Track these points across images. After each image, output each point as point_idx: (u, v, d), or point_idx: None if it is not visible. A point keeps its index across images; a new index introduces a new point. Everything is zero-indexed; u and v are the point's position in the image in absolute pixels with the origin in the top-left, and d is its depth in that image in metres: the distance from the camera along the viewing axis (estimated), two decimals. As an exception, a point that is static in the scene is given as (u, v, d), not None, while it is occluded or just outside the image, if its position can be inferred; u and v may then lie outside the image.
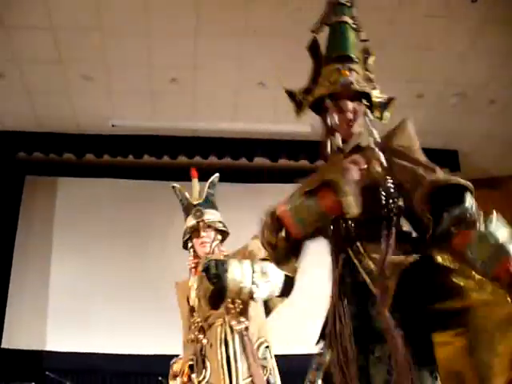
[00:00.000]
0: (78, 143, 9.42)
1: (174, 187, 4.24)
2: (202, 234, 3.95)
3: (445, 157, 9.70)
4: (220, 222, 4.23)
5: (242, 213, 10.04)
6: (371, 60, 2.62)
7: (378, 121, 2.54)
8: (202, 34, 7.45)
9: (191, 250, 4.04)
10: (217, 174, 4.37)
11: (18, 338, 9.21)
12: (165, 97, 8.66)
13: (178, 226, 10.02)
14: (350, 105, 2.50)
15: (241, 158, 9.71)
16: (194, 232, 3.97)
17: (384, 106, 2.53)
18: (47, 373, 8.15)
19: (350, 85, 2.48)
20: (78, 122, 9.16)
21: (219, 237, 4.06)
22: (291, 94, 2.69)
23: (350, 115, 2.49)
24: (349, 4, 2.70)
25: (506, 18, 7.00)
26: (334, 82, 2.52)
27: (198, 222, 4.00)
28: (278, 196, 2.50)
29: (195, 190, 4.17)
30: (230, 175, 10.15)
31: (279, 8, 7.00)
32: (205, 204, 4.12)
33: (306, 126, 9.13)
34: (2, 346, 9.19)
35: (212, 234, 3.98)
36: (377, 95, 2.54)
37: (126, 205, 9.75)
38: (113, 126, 9.13)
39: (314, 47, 2.68)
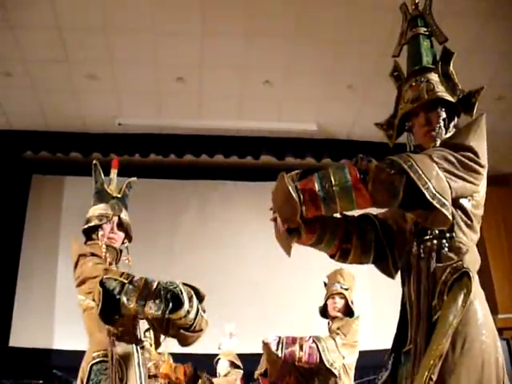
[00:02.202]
0: (84, 142, 9.45)
1: (95, 165, 3.97)
2: (115, 230, 3.72)
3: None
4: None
5: (247, 211, 10.09)
6: (452, 59, 2.62)
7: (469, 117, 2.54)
8: (208, 34, 7.47)
9: (98, 239, 3.71)
10: (135, 178, 4.12)
11: (26, 337, 9.25)
12: (171, 96, 8.68)
13: (184, 225, 10.10)
14: (423, 119, 2.54)
15: (247, 157, 9.72)
16: (106, 224, 3.71)
17: (468, 100, 2.54)
18: (54, 371, 8.20)
19: (418, 99, 2.53)
20: (84, 121, 9.19)
21: (127, 242, 3.83)
22: (381, 126, 2.74)
23: (425, 128, 2.52)
24: (420, 13, 2.74)
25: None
26: (407, 100, 2.59)
27: (114, 215, 3.74)
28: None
29: (114, 182, 3.92)
30: (236, 173, 10.19)
31: (285, 8, 7.00)
32: (122, 201, 3.87)
33: (312, 124, 9.15)
34: (9, 345, 9.23)
35: (122, 235, 3.77)
36: (454, 94, 2.55)
37: (132, 203, 9.73)
38: (119, 124, 9.15)
39: (395, 72, 2.74)
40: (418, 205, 2.18)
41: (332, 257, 2.65)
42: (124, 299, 3.16)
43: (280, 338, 4.65)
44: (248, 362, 6.33)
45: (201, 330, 3.40)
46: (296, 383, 4.93)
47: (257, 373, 4.92)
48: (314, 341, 4.61)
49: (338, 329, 4.77)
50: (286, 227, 2.37)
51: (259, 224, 10.18)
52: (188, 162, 9.90)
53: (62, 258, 9.69)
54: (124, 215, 3.81)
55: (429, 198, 2.11)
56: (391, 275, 2.67)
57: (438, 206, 2.12)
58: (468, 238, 2.38)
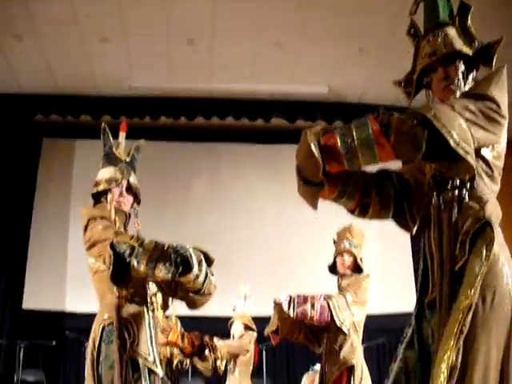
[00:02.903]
0: (95, 105, 9.44)
1: (104, 128, 3.94)
2: (124, 193, 3.72)
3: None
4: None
5: (259, 173, 10.10)
6: (469, 13, 2.59)
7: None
8: (219, -5, 7.42)
9: (107, 202, 3.71)
10: (143, 140, 4.08)
11: (39, 300, 9.35)
12: (182, 58, 8.63)
13: (195, 187, 10.12)
14: (441, 73, 2.51)
15: (258, 119, 9.69)
16: (115, 188, 3.75)
17: (487, 52, 2.51)
18: (67, 332, 8.29)
19: (436, 53, 2.51)
20: (95, 84, 9.17)
21: (137, 206, 3.82)
22: (399, 84, 2.71)
23: (444, 82, 2.50)
24: None
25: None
26: (425, 55, 2.56)
27: (123, 179, 3.74)
28: (294, 157, 2.49)
29: (122, 145, 3.89)
30: (247, 136, 10.18)
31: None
32: (131, 165, 3.86)
33: (323, 87, 9.11)
34: (23, 308, 9.33)
35: (131, 198, 3.77)
36: (472, 47, 2.52)
37: (143, 166, 9.73)
38: (130, 87, 9.12)
39: (411, 29, 2.69)
40: (441, 155, 2.18)
41: (352, 212, 2.64)
42: (134, 262, 3.17)
43: (291, 297, 4.68)
44: (259, 324, 6.38)
45: (209, 294, 3.43)
46: (305, 340, 5.00)
47: (267, 330, 4.98)
48: (325, 299, 4.65)
49: (348, 286, 4.81)
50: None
51: (270, 186, 10.27)
52: (199, 125, 9.89)
53: (73, 220, 9.74)
54: (133, 179, 3.80)
55: (453, 145, 2.10)
56: (410, 230, 2.67)
57: (462, 153, 2.12)
58: (489, 189, 2.38)
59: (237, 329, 6.63)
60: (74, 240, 9.57)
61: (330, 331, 4.76)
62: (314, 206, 2.46)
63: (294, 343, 9.48)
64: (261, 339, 7.37)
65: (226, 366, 6.42)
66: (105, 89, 9.27)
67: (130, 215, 3.80)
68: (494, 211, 2.33)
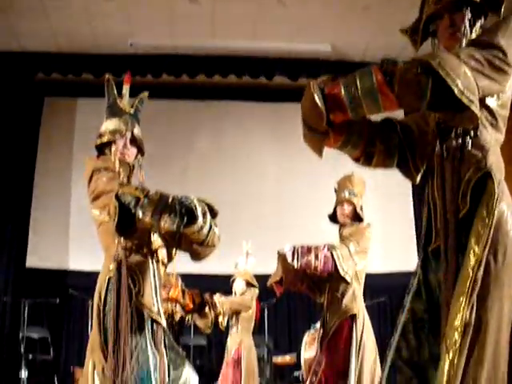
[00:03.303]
0: (96, 63, 9.37)
1: (108, 80, 3.92)
2: (128, 145, 3.72)
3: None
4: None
5: (261, 131, 10.08)
6: None
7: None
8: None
9: (111, 154, 3.69)
10: (146, 93, 4.07)
11: (42, 258, 9.42)
12: (184, 15, 8.54)
13: (198, 145, 10.11)
14: (447, 20, 2.47)
15: (260, 77, 9.64)
16: (119, 139, 3.68)
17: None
18: (70, 291, 8.36)
19: (442, 0, 2.46)
20: (96, 42, 9.10)
21: (140, 158, 3.83)
22: (405, 32, 2.68)
23: (450, 30, 2.46)
24: None
25: None
26: (431, 2, 2.52)
27: (126, 131, 3.71)
28: (297, 115, 2.48)
29: (126, 97, 3.88)
30: (249, 94, 10.13)
31: None
32: (135, 117, 3.85)
33: (326, 45, 9.03)
34: (26, 266, 9.39)
35: (135, 150, 3.77)
36: None
37: (144, 124, 9.71)
38: (131, 45, 9.06)
39: None
40: (445, 104, 2.17)
41: (357, 160, 2.64)
42: (139, 213, 3.19)
43: (295, 248, 4.72)
44: (261, 282, 6.43)
45: (213, 246, 3.45)
46: (307, 290, 5.04)
47: (271, 281, 5.00)
48: (328, 249, 4.68)
49: (350, 235, 4.84)
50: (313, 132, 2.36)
51: (272, 143, 10.26)
52: (201, 83, 9.83)
53: (75, 178, 9.76)
54: (137, 130, 3.79)
55: (458, 94, 2.08)
56: (413, 179, 2.67)
57: (466, 102, 2.10)
58: (493, 139, 2.36)
59: (238, 286, 6.68)
60: (76, 198, 9.61)
61: (332, 280, 4.80)
62: (320, 153, 2.45)
63: (295, 301, 9.62)
64: (263, 297, 7.44)
65: (227, 322, 6.48)
66: (106, 47, 9.20)
67: (133, 167, 3.79)
68: (496, 163, 2.32)
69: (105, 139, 3.75)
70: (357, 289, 4.82)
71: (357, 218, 4.99)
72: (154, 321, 3.43)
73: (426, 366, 2.33)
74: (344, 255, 4.71)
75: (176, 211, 3.18)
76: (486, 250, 2.17)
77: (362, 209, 5.00)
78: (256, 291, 6.67)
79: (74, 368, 8.26)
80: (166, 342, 3.46)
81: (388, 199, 9.12)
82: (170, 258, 3.69)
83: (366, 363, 4.64)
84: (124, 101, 3.88)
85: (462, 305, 2.12)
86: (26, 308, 8.08)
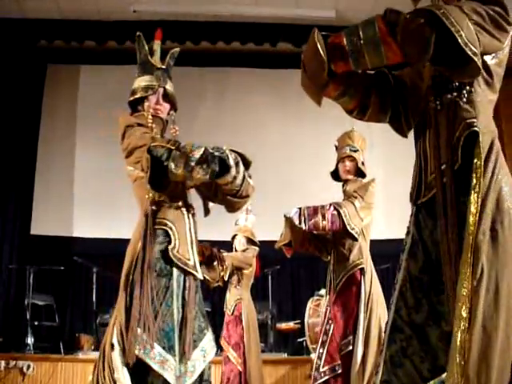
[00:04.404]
0: (99, 30, 9.33)
1: (139, 36, 3.93)
2: (161, 101, 3.73)
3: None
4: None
5: (265, 97, 10.04)
6: None
7: None
8: None
9: (144, 110, 3.72)
10: (177, 48, 4.07)
11: (46, 225, 9.44)
12: (186, -19, 8.49)
13: (202, 112, 10.08)
14: None
15: (264, 44, 9.58)
16: (151, 95, 3.76)
17: None
18: (75, 258, 8.41)
19: None
20: (98, 9, 9.04)
21: (173, 113, 3.86)
22: None
23: None
24: None
25: None
26: None
27: (159, 86, 3.72)
28: (300, 81, 2.46)
29: (158, 52, 3.89)
30: (253, 60, 10.08)
31: None
32: (167, 72, 3.86)
33: (330, 11, 8.96)
34: (31, 233, 9.43)
35: (167, 105, 3.79)
36: None
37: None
38: (134, 11, 8.99)
39: None
40: (448, 56, 2.12)
41: (350, 112, 2.59)
42: (172, 165, 3.20)
43: (301, 210, 4.74)
44: (266, 247, 6.44)
45: (247, 196, 3.48)
46: (315, 250, 5.07)
47: (279, 243, 5.02)
48: (335, 208, 4.70)
49: (355, 192, 4.84)
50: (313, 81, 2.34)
51: (276, 110, 10.23)
52: (205, 49, 9.78)
53: (79, 145, 9.78)
54: (169, 86, 3.80)
55: (462, 44, 2.04)
56: (404, 134, 2.64)
57: (470, 54, 2.05)
58: (486, 97, 2.34)
59: (239, 242, 6.67)
60: (80, 165, 9.62)
61: (339, 238, 4.84)
62: (318, 101, 2.41)
63: (299, 268, 9.66)
64: (267, 263, 7.46)
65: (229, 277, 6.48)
66: (109, 14, 9.14)
67: (167, 122, 3.82)
68: (485, 121, 2.31)
69: (138, 95, 3.77)
70: (363, 244, 4.84)
71: (360, 173, 5.00)
72: (186, 276, 3.43)
73: (425, 325, 2.31)
74: (351, 213, 4.72)
75: (208, 162, 3.17)
76: (482, 220, 2.15)
77: (363, 164, 5.00)
78: (256, 249, 6.67)
79: (79, 334, 8.35)
80: (197, 299, 3.47)
81: (390, 167, 9.10)
82: (206, 210, 3.72)
83: (375, 318, 4.67)
84: (155, 57, 3.91)
85: (467, 273, 2.10)
86: (31, 275, 8.14)
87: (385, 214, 8.43)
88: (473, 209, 2.17)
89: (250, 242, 6.65)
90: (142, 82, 3.82)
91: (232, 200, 3.47)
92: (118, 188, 9.40)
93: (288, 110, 9.15)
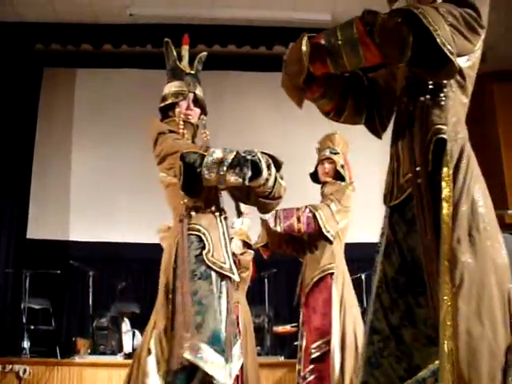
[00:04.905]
0: (95, 34, 9.32)
1: (167, 42, 3.97)
2: (192, 106, 3.78)
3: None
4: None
5: (261, 101, 10.04)
6: None
7: None
8: None
9: (175, 116, 3.75)
10: (205, 53, 4.10)
11: (43, 229, 9.43)
12: (183, -16, 8.49)
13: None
14: None
15: (260, 47, 9.59)
16: (182, 101, 3.76)
17: None
18: (71, 261, 8.40)
19: None
20: (95, 12, 9.03)
21: (203, 117, 3.91)
22: None
23: None
24: None
25: None
26: None
27: (189, 92, 3.77)
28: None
29: (186, 58, 3.92)
30: (249, 64, 10.08)
31: None
32: (196, 77, 3.91)
33: (326, 14, 8.98)
34: (27, 237, 9.41)
35: (198, 110, 3.84)
36: None
37: (145, 94, 9.71)
38: (130, 15, 8.99)
39: None
40: (424, 57, 2.12)
41: (327, 114, 2.60)
42: (205, 171, 3.25)
43: (277, 212, 4.75)
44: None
45: (279, 197, 3.53)
46: (293, 251, 5.09)
47: (257, 245, 5.10)
48: (310, 211, 4.73)
49: (332, 194, 4.86)
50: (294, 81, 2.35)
51: (273, 112, 10.22)
52: (201, 52, 9.76)
53: (75, 149, 9.78)
54: (199, 91, 3.86)
55: (440, 43, 2.04)
56: (379, 135, 2.65)
57: (448, 53, 2.05)
58: (458, 100, 2.35)
59: (236, 245, 6.66)
60: (76, 169, 9.61)
61: (314, 240, 4.86)
62: (299, 103, 2.44)
63: (295, 271, 9.64)
64: (263, 267, 7.45)
65: None
66: (105, 17, 9.14)
67: (198, 127, 3.88)
68: (456, 126, 2.31)
69: (168, 102, 3.83)
70: (337, 248, 4.85)
71: (339, 176, 5.00)
72: (224, 279, 3.46)
73: (401, 325, 2.31)
74: (326, 215, 4.74)
75: (241, 165, 3.23)
76: (454, 232, 2.15)
77: (343, 167, 4.99)
78: (252, 252, 6.67)
79: (75, 338, 8.34)
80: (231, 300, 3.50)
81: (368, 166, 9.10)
82: (239, 212, 3.76)
83: (349, 322, 4.67)
84: (184, 62, 3.95)
85: (447, 280, 2.10)
86: (28, 279, 8.12)
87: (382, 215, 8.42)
88: (445, 217, 2.17)
89: (246, 245, 6.65)
90: (172, 87, 3.88)
91: (264, 202, 3.53)
92: (114, 192, 9.42)
93: (285, 112, 9.12)
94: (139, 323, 8.55)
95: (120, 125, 9.64)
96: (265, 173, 3.28)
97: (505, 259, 2.18)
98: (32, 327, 8.09)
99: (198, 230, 3.46)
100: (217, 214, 3.57)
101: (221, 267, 3.42)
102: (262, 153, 3.37)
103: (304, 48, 2.22)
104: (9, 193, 9.45)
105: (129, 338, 8.00)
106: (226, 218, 3.63)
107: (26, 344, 7.76)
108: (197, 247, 3.43)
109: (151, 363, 3.23)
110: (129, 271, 9.41)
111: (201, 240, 3.44)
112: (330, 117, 2.62)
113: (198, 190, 3.38)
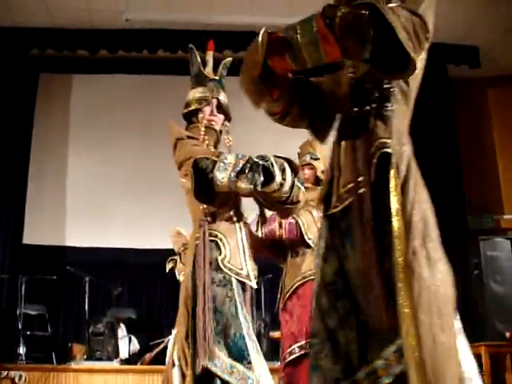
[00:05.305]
0: (91, 39, 9.32)
1: (191, 48, 3.98)
2: (215, 112, 3.79)
3: (465, 52, 9.53)
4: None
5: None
6: None
7: None
8: None
9: (198, 122, 3.80)
10: (230, 58, 4.11)
11: (39, 234, 9.41)
12: (179, -11, 8.49)
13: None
14: None
15: (257, 52, 9.59)
16: (205, 107, 3.78)
17: None
18: (67, 267, 8.39)
19: None
20: (90, 18, 9.03)
21: (227, 123, 3.92)
22: None
23: None
24: None
25: None
26: None
27: (212, 98, 3.79)
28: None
29: (210, 64, 3.93)
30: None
31: None
32: (220, 83, 3.92)
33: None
34: (23, 242, 9.39)
35: (222, 116, 3.84)
36: None
37: (141, 100, 9.74)
38: (126, 20, 8.99)
39: None
40: (383, 53, 2.07)
41: (272, 115, 2.58)
42: (216, 176, 3.26)
43: (258, 217, 4.74)
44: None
45: (298, 202, 3.51)
46: (274, 256, 5.07)
47: None
48: (293, 217, 4.66)
49: (312, 200, 4.76)
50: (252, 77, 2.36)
51: (266, 120, 10.22)
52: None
53: (71, 154, 9.76)
54: (222, 97, 3.88)
55: (401, 38, 2.00)
56: (322, 140, 2.65)
57: (408, 48, 2.02)
58: (403, 110, 2.33)
59: None
60: (73, 174, 9.60)
61: (295, 246, 4.84)
62: (257, 104, 2.44)
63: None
64: (260, 272, 7.43)
65: None
66: (101, 22, 9.13)
67: (220, 132, 3.90)
68: (401, 138, 2.29)
69: (192, 108, 3.85)
70: None
71: (319, 181, 4.95)
72: (243, 284, 3.48)
73: (337, 328, 2.29)
74: (308, 221, 4.75)
75: (253, 171, 3.24)
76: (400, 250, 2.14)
77: (323, 172, 4.93)
78: None
79: (71, 344, 8.32)
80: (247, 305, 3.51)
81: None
82: (264, 220, 3.75)
83: None
84: (208, 68, 3.96)
85: (405, 292, 2.09)
86: (24, 284, 8.11)
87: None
88: (397, 230, 2.15)
89: None
90: (195, 93, 3.89)
91: (282, 207, 3.51)
92: (110, 197, 9.41)
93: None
94: (135, 329, 8.55)
95: (116, 130, 9.64)
96: (278, 178, 3.26)
97: (448, 268, 2.18)
98: (28, 333, 8.08)
99: (216, 236, 3.47)
100: (235, 219, 3.58)
101: (237, 273, 3.43)
102: (277, 157, 3.38)
103: (260, 39, 2.20)
104: (5, 198, 9.42)
105: (125, 344, 7.99)
106: (245, 224, 3.64)
107: (21, 350, 7.74)
108: (214, 253, 3.43)
109: (175, 374, 3.25)
110: (125, 277, 9.39)
111: (218, 246, 3.45)
112: (274, 118, 2.60)
113: (211, 195, 3.37)
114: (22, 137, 9.67)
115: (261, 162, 3.28)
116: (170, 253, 6.31)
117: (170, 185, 9.19)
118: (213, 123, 3.80)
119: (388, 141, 2.25)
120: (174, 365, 3.29)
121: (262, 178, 3.24)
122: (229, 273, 3.39)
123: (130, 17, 8.95)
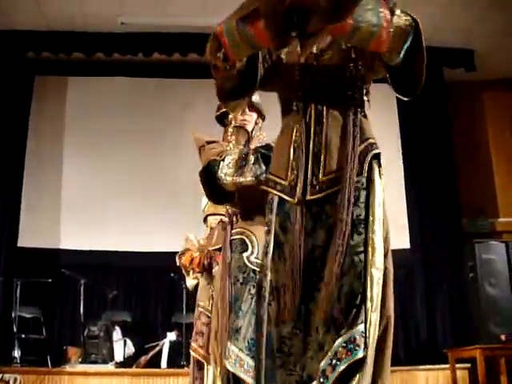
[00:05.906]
0: (86, 42, 9.33)
1: None
2: (247, 111, 3.78)
3: (460, 56, 9.55)
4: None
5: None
6: None
7: None
8: None
9: (230, 123, 3.82)
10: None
11: (34, 237, 9.38)
12: (174, -7, 8.49)
13: (189, 124, 10.07)
14: None
15: (252, 55, 9.59)
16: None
17: None
18: (62, 270, 8.38)
19: None
20: (86, 21, 9.03)
21: (260, 121, 3.91)
22: None
23: None
24: None
25: None
26: None
27: None
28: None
29: None
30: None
31: None
32: None
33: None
34: (18, 245, 9.37)
35: (255, 115, 3.83)
36: None
37: (137, 102, 9.73)
38: (122, 23, 8.99)
39: None
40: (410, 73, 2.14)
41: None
42: (221, 176, 3.30)
43: None
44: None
45: None
46: None
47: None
48: None
49: None
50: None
51: (266, 118, 10.22)
52: (193, 61, 9.78)
53: (66, 157, 9.74)
54: (254, 96, 3.88)
55: (424, 64, 2.10)
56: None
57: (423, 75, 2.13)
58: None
59: None
60: (68, 177, 9.58)
61: None
62: (223, 99, 2.61)
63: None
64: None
65: None
66: (96, 25, 9.13)
67: (252, 131, 3.84)
68: (373, 137, 2.33)
69: (223, 110, 3.87)
70: None
71: None
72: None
73: (292, 334, 2.27)
74: None
75: (258, 163, 3.29)
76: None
77: None
78: None
79: (66, 347, 8.31)
80: None
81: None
82: None
83: None
84: None
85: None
86: (19, 287, 8.10)
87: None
88: (373, 239, 2.19)
89: None
90: None
91: None
92: (105, 200, 9.40)
93: (275, 119, 9.17)
94: (130, 332, 8.53)
95: (111, 133, 9.62)
96: None
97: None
98: (23, 336, 8.07)
99: (242, 233, 3.47)
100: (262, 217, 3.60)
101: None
102: None
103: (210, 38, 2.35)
104: (-1, 201, 9.43)
105: (120, 347, 7.98)
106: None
107: (16, 353, 7.74)
108: (240, 250, 3.44)
109: (209, 372, 3.41)
110: (120, 280, 9.37)
111: (244, 243, 3.45)
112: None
113: (223, 196, 3.41)
114: (17, 139, 9.65)
115: (264, 151, 3.28)
116: (165, 256, 6.30)
117: (166, 188, 9.23)
118: (245, 123, 3.79)
119: (374, 141, 2.30)
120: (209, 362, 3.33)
121: (263, 168, 3.23)
122: (254, 268, 3.35)
123: (125, 20, 8.95)
